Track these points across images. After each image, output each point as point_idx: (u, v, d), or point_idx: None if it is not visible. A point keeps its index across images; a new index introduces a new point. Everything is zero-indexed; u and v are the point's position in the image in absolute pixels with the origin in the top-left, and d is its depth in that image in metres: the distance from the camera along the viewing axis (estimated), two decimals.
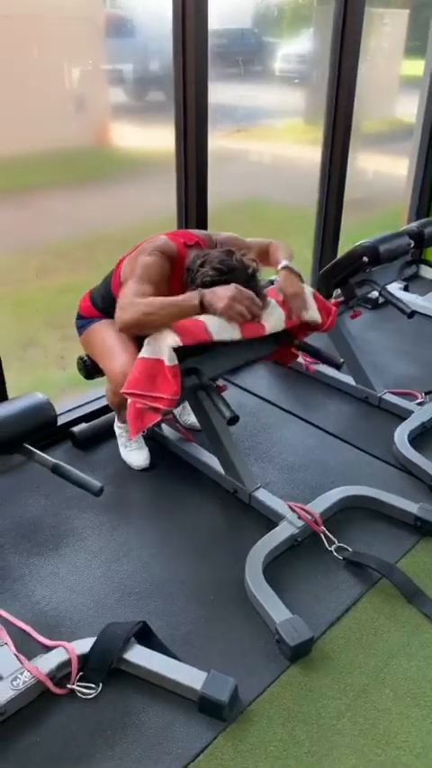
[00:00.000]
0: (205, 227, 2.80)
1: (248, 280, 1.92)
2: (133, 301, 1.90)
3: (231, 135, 3.11)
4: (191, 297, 1.89)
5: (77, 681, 1.61)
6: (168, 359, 1.83)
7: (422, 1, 4.16)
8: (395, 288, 3.73)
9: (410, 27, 4.30)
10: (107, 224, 2.78)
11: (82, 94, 2.50)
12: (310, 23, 3.70)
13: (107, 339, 2.17)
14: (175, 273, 2.05)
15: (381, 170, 4.49)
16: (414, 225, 2.89)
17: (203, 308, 1.88)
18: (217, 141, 2.73)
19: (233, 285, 1.89)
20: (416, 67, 4.20)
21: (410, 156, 4.15)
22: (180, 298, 1.91)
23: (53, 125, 2.33)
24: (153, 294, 1.94)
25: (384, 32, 4.12)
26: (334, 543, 2.05)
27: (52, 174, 2.48)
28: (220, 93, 2.61)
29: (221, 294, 1.87)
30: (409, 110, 4.27)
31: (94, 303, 2.29)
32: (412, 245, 2.76)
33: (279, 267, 2.17)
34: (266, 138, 3.63)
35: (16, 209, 2.83)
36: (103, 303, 2.26)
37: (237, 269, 1.91)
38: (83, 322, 2.32)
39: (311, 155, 3.54)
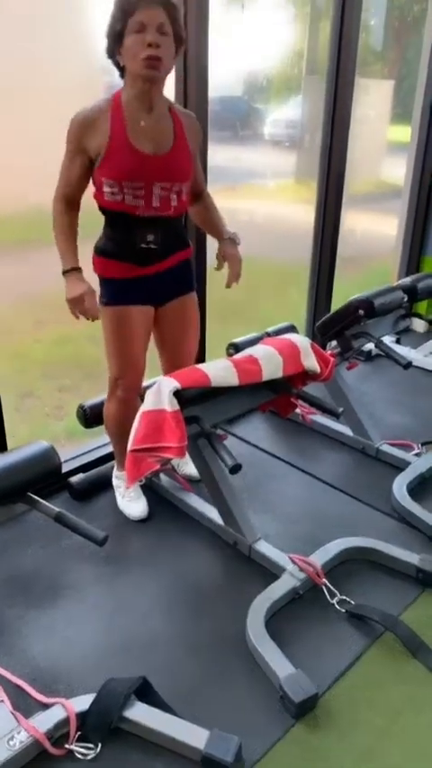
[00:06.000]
0: (203, 282, 2.86)
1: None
2: (54, 205, 2.06)
3: (222, 193, 3.21)
4: (66, 263, 2.03)
5: (76, 740, 1.56)
6: (170, 405, 1.84)
7: (405, 73, 4.44)
8: (388, 340, 3.80)
9: (395, 96, 4.58)
10: None
11: None
12: (298, 92, 3.91)
13: (114, 335, 2.13)
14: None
15: (368, 229, 4.65)
16: (408, 279, 2.98)
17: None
18: None
19: (85, 296, 1.98)
20: (400, 133, 4.44)
21: (400, 215, 4.30)
22: (65, 254, 2.03)
23: (53, 185, 2.41)
24: (77, 168, 2.02)
25: (371, 101, 4.35)
26: (336, 596, 2.02)
27: (49, 230, 2.56)
28: (212, 154, 2.72)
29: (72, 289, 2.00)
30: (394, 172, 4.46)
31: (97, 251, 2.13)
32: (405, 298, 2.83)
33: (224, 237, 2.23)
34: (258, 196, 3.76)
35: (16, 262, 2.89)
36: (104, 245, 2.10)
37: None
38: (103, 289, 2.13)
39: (302, 213, 3.67)
